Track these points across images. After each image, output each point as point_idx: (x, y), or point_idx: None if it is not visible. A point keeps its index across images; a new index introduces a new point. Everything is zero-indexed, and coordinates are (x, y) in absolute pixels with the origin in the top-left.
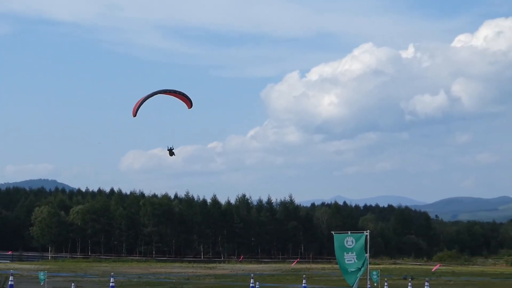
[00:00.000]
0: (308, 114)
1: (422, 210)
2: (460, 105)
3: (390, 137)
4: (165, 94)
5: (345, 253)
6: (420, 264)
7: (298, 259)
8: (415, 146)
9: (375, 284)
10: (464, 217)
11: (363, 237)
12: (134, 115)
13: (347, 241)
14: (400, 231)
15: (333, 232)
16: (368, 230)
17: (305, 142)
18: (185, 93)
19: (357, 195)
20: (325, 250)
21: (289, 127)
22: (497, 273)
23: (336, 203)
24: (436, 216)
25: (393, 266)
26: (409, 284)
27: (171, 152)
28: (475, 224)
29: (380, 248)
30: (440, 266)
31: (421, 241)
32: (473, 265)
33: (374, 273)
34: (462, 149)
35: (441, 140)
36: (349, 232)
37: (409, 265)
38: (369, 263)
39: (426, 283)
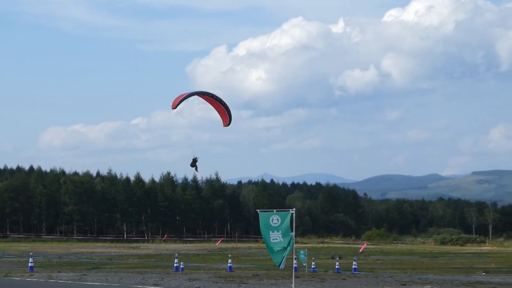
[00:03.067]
0: (236, 89)
1: (351, 188)
2: (390, 81)
3: (319, 113)
4: (210, 99)
5: (270, 231)
6: (348, 243)
7: (222, 238)
8: (344, 122)
9: (303, 264)
10: (393, 195)
11: (289, 216)
12: (174, 108)
13: (272, 220)
14: (328, 210)
15: (258, 210)
16: (294, 208)
17: (233, 118)
18: (228, 108)
19: (284, 172)
20: (251, 229)
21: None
22: (426, 252)
23: (263, 181)
24: (365, 194)
25: (321, 245)
26: (337, 263)
27: (194, 163)
28: (404, 202)
29: (308, 226)
30: (367, 245)
31: (349, 219)
32: (402, 244)
33: (302, 252)
34: (392, 126)
35: (370, 117)
36: (274, 210)
37: (337, 244)
38: (297, 242)
39: (354, 262)
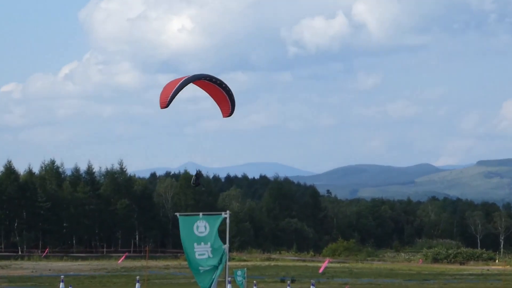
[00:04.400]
0: (149, 44)
1: (309, 183)
2: (365, 34)
3: (266, 79)
4: (207, 84)
5: (195, 244)
6: (304, 260)
7: (127, 254)
8: (301, 92)
9: None
10: (367, 193)
11: (221, 221)
12: (166, 106)
13: (198, 227)
14: (277, 213)
15: (178, 214)
16: (228, 211)
17: (145, 85)
18: (232, 93)
19: (217, 162)
20: (169, 240)
21: (122, 63)
22: (412, 273)
23: (186, 173)
24: (328, 191)
25: (267, 262)
26: None
27: (197, 180)
28: (383, 204)
29: (249, 236)
30: (329, 262)
31: (306, 227)
32: (379, 261)
33: (239, 273)
34: (366, 96)
35: (338, 84)
36: (201, 214)
37: (289, 261)
38: (232, 259)
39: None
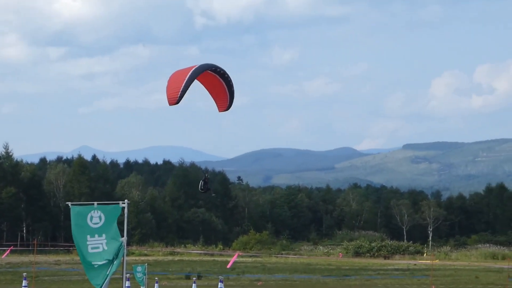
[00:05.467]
0: (40, 14)
1: (217, 169)
2: (281, 4)
3: (170, 53)
4: (211, 76)
5: (88, 236)
6: (212, 254)
7: (11, 248)
8: None
9: (141, 287)
10: (282, 180)
11: (118, 212)
12: (176, 103)
13: (91, 218)
14: (183, 202)
15: (70, 204)
16: (127, 200)
17: (34, 59)
18: (233, 87)
19: (115, 145)
20: (61, 233)
21: (8, 35)
22: (332, 267)
23: (80, 158)
24: (239, 178)
25: (171, 257)
26: (194, 286)
27: (206, 185)
28: (299, 192)
29: (151, 228)
30: (239, 256)
31: (214, 217)
32: (295, 254)
33: (139, 269)
34: (282, 73)
35: (250, 59)
36: (95, 203)
37: (196, 255)
38: (131, 254)
39: (220, 285)
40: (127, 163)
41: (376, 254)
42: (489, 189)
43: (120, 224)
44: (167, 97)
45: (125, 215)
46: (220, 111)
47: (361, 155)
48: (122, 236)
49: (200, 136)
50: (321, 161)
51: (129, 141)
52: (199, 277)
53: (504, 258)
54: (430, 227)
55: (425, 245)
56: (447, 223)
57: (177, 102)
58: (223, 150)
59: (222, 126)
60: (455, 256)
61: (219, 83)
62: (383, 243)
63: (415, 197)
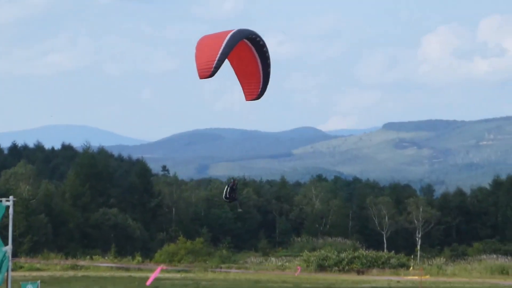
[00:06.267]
0: None
1: (136, 156)
2: None
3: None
4: (245, 46)
5: None
6: (128, 268)
7: None
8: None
9: None
10: (222, 170)
11: (1, 212)
12: (211, 75)
13: None
14: (88, 200)
15: None
16: (12, 197)
17: None
18: (270, 66)
19: None
20: None
21: None
22: (287, 286)
23: None
24: (165, 168)
25: (72, 272)
26: None
27: (232, 193)
28: (245, 186)
29: (46, 235)
30: (163, 270)
31: (131, 220)
32: (238, 268)
33: (30, 286)
34: (221, 28)
35: (178, 10)
36: None
37: (105, 269)
38: (17, 267)
39: None
40: (14, 147)
41: (347, 268)
42: (497, 183)
43: (4, 228)
44: (198, 68)
45: (10, 216)
46: (248, 99)
47: (328, 137)
48: (6, 244)
49: (111, 112)
50: (274, 145)
51: (17, 118)
52: None
53: None
54: (419, 233)
55: (412, 256)
56: (441, 228)
57: (212, 75)
58: (143, 131)
59: (141, 99)
60: (451, 271)
61: (253, 59)
62: (356, 254)
63: (399, 194)
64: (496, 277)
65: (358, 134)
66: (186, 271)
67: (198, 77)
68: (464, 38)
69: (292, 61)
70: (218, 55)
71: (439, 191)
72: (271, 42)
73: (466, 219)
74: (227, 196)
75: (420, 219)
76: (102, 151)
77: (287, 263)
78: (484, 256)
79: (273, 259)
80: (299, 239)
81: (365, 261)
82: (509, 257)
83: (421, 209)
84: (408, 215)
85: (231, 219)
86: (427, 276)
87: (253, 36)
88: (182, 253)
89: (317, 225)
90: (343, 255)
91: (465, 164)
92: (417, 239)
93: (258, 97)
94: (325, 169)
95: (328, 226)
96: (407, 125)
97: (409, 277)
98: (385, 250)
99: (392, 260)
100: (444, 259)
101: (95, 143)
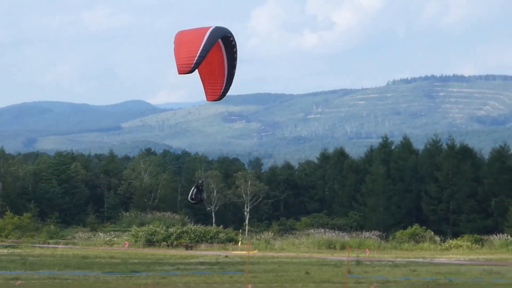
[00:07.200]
0: None
1: None
2: None
3: None
4: (217, 46)
5: None
6: None
7: None
8: None
9: None
10: (50, 144)
11: None
12: (191, 71)
13: None
14: None
15: None
16: None
17: None
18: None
19: None
20: None
21: None
22: (115, 261)
23: None
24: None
25: None
26: None
27: (198, 194)
28: (73, 160)
29: None
30: None
31: None
32: (66, 244)
33: None
34: None
35: None
36: None
37: None
38: None
39: None
40: None
41: (176, 243)
42: (324, 156)
43: None
44: (178, 63)
45: None
46: (209, 99)
47: (157, 111)
48: None
49: None
50: (103, 119)
51: None
52: None
53: (343, 247)
54: (247, 207)
55: (240, 231)
56: (269, 202)
57: (192, 71)
58: None
59: None
60: (279, 245)
61: (221, 60)
62: (184, 229)
63: (228, 167)
64: (324, 251)
65: (187, 108)
66: (13, 247)
67: (177, 72)
68: (294, 11)
69: (122, 32)
70: (199, 51)
71: (267, 164)
72: (102, 13)
73: (294, 193)
74: (193, 197)
75: (249, 193)
76: None
77: (115, 238)
78: (312, 231)
79: (101, 234)
80: (127, 214)
81: (193, 236)
82: (336, 231)
83: (249, 183)
84: (237, 189)
85: (58, 194)
86: (255, 251)
87: (228, 35)
88: (9, 228)
89: (145, 200)
90: (171, 230)
91: (293, 137)
92: (245, 213)
93: (220, 98)
94: (154, 143)
95: (157, 201)
96: (236, 99)
97: (237, 252)
98: (213, 225)
99: (221, 235)
100: (273, 234)
101: None
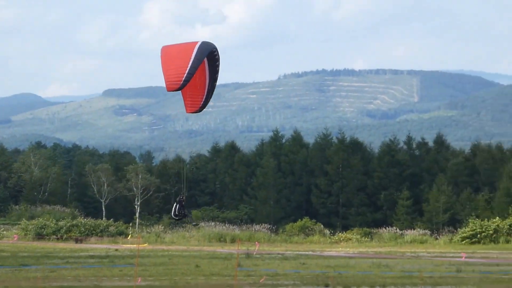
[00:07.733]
0: None
1: None
2: None
3: None
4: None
5: None
6: None
7: None
8: None
9: None
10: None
11: None
12: (180, 88)
13: None
14: None
15: None
16: None
17: None
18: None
19: None
20: None
21: None
22: (4, 254)
23: None
24: None
25: None
26: None
27: (181, 210)
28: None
29: None
30: None
31: None
32: None
33: None
34: None
35: None
36: None
37: None
38: None
39: None
40: None
41: (66, 236)
42: (216, 150)
43: None
44: (166, 80)
45: None
46: (189, 111)
47: (48, 104)
48: None
49: None
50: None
51: None
52: None
53: (233, 240)
54: (138, 200)
55: (131, 224)
56: (159, 195)
57: (181, 88)
58: None
59: None
60: (169, 239)
61: (204, 73)
62: (74, 222)
63: (119, 161)
64: (214, 244)
65: (79, 101)
66: None
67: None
68: (186, 5)
69: (11, 24)
70: (188, 68)
71: (158, 158)
72: None
73: (186, 186)
74: (176, 213)
75: (139, 186)
76: None
77: (4, 232)
78: (202, 224)
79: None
80: (17, 207)
81: (83, 229)
82: (227, 225)
83: (140, 176)
84: (127, 182)
85: None
86: (145, 244)
87: (213, 50)
88: None
89: (35, 193)
90: (61, 223)
91: (184, 131)
92: (136, 206)
93: (200, 110)
94: (44, 136)
95: (47, 194)
96: (127, 92)
97: (128, 245)
98: (104, 218)
99: (111, 228)
100: (163, 227)
101: None
